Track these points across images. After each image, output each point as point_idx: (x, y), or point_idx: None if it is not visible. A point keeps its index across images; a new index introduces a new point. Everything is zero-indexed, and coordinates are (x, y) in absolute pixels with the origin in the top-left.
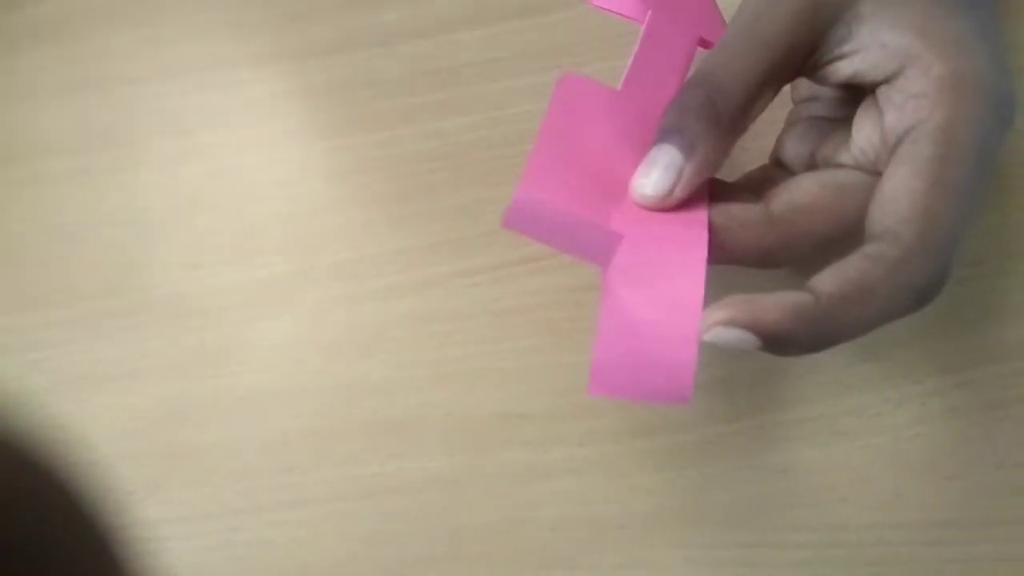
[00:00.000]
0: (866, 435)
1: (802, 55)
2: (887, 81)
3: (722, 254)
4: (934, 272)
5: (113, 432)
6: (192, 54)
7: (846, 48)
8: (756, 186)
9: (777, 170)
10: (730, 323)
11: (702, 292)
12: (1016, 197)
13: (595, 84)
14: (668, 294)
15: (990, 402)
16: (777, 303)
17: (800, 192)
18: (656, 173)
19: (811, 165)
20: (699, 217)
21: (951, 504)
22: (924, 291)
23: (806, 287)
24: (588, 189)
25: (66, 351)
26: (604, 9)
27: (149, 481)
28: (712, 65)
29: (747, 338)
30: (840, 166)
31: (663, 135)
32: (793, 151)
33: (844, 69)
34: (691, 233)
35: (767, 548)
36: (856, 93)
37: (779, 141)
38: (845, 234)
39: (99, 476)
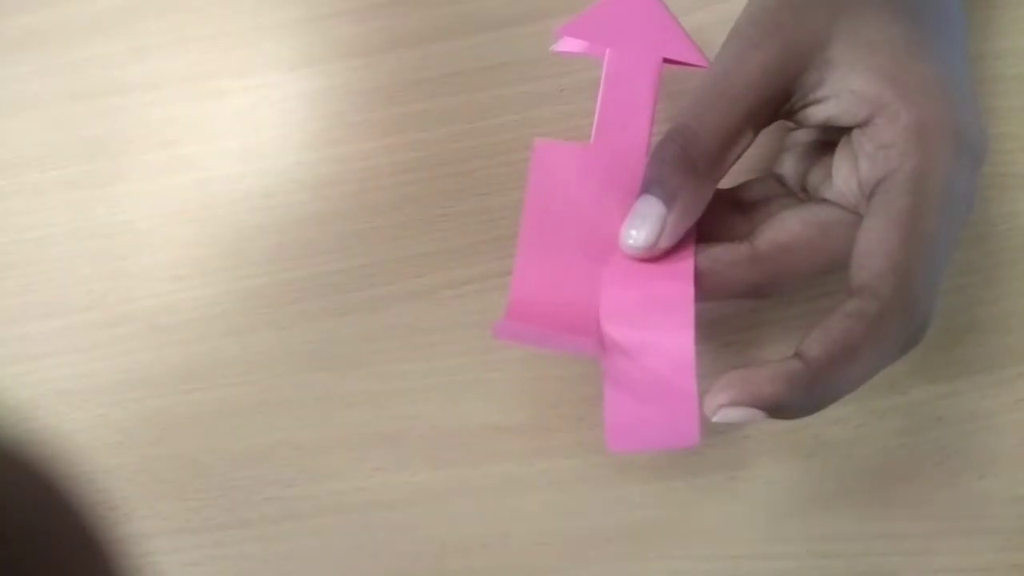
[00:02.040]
0: (851, 445)
1: (776, 103)
2: (860, 126)
3: (710, 294)
4: (913, 322)
5: (96, 446)
6: (176, 65)
7: (819, 94)
8: (748, 207)
9: (775, 185)
10: (733, 404)
11: (693, 347)
12: (1002, 207)
13: (566, 146)
14: (662, 355)
15: (974, 412)
16: (771, 375)
17: (784, 231)
18: (641, 225)
19: (804, 186)
20: (686, 267)
21: (937, 514)
22: (905, 341)
23: (795, 353)
24: (575, 264)
25: (49, 364)
26: (568, 53)
27: (132, 496)
28: (687, 118)
29: (752, 413)
30: (824, 201)
31: (644, 188)
32: (790, 170)
33: (818, 114)
34: (679, 287)
35: (754, 559)
36: (840, 129)
37: (779, 158)
38: (829, 269)
39: (82, 490)
